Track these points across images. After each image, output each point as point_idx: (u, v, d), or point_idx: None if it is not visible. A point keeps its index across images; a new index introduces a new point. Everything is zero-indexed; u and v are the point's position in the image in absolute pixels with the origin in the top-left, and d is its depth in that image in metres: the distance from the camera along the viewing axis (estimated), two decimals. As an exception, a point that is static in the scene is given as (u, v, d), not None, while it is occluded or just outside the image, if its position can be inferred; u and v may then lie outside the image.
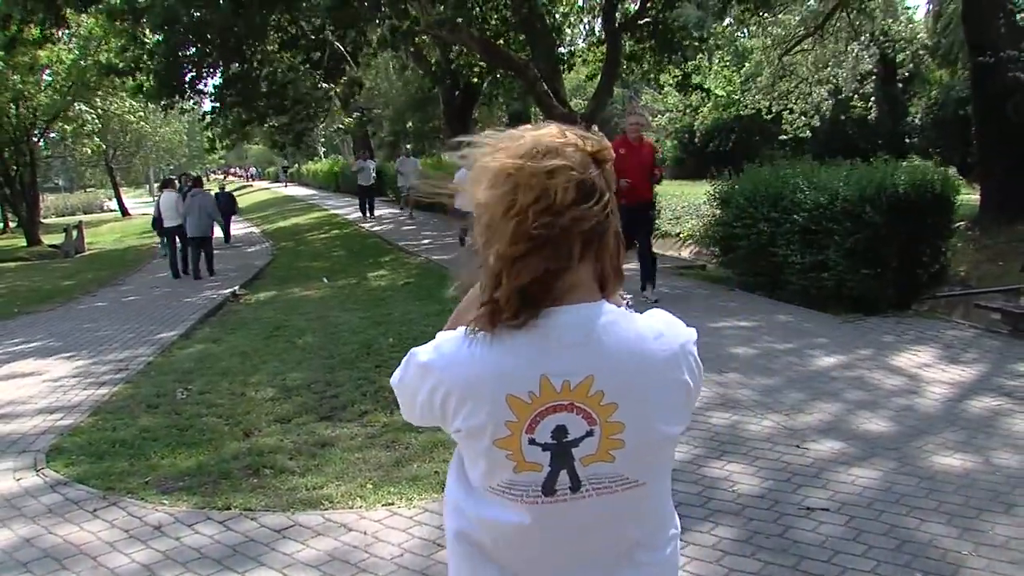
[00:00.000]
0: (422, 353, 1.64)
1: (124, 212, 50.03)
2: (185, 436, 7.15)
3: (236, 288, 15.71)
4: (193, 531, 5.25)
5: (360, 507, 5.44)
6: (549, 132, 1.57)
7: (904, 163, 12.77)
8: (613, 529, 1.63)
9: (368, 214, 27.87)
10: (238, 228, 28.80)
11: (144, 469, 6.44)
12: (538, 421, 1.53)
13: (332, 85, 23.27)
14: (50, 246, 29.69)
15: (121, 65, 22.57)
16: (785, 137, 28.56)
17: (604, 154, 1.57)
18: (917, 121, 32.64)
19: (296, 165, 68.03)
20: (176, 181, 21.24)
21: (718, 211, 12.82)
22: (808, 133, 27.04)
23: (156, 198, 22.30)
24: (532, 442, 1.54)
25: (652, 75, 24.45)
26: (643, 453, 1.57)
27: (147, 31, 20.64)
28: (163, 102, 23.24)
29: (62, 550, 5.09)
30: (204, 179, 23.53)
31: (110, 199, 58.36)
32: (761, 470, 5.50)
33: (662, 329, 1.60)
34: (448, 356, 1.61)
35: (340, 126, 33.80)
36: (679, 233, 20.85)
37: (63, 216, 53.41)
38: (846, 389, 7.04)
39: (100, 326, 13.04)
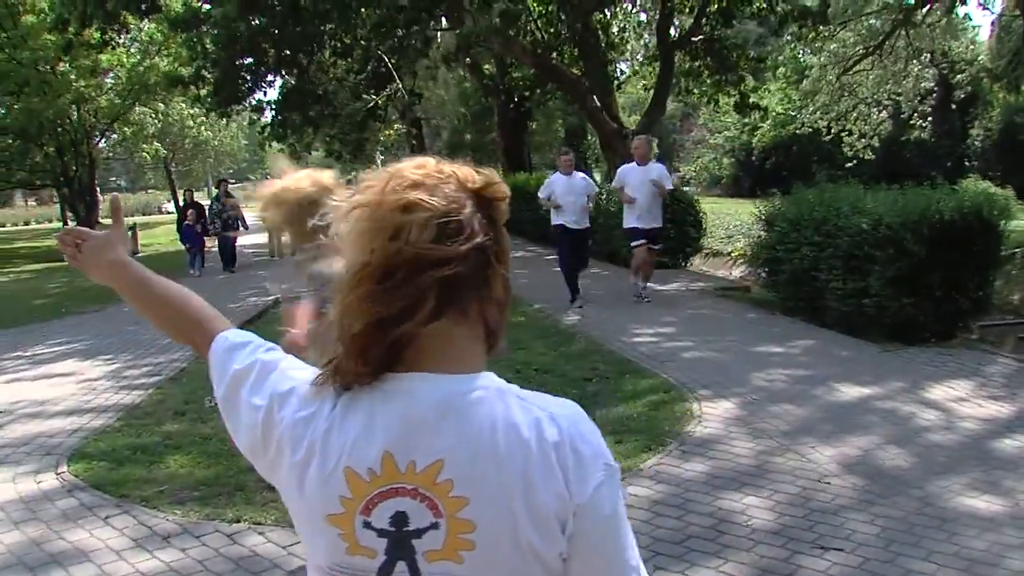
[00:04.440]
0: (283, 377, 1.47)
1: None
2: (207, 445, 7.15)
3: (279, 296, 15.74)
4: (200, 543, 5.24)
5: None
6: (420, 164, 1.39)
7: (958, 187, 12.50)
8: None
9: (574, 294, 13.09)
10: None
11: (162, 477, 6.46)
12: (376, 503, 1.31)
13: (379, 96, 23.35)
14: (104, 247, 30.10)
15: (187, 75, 22.93)
16: (849, 163, 27.96)
17: (491, 191, 1.38)
18: (978, 144, 32.09)
19: (353, 174, 67.97)
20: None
21: (763, 233, 12.63)
22: (870, 155, 26.62)
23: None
24: (367, 525, 1.32)
25: (709, 96, 24.18)
26: (498, 563, 1.29)
27: (207, 41, 20.92)
28: (221, 110, 23.55)
29: (69, 555, 5.12)
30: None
31: (168, 201, 59.28)
32: (779, 504, 5.35)
33: (543, 418, 1.33)
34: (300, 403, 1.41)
35: (391, 138, 33.81)
36: (730, 252, 20.59)
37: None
38: (877, 422, 6.84)
39: (141, 329, 13.11)
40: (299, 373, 1.47)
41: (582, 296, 12.97)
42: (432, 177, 1.35)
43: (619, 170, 13.09)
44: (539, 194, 13.25)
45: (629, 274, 13.39)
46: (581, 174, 13.35)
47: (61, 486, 6.34)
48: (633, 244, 12.68)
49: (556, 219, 12.88)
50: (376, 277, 1.30)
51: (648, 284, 13.09)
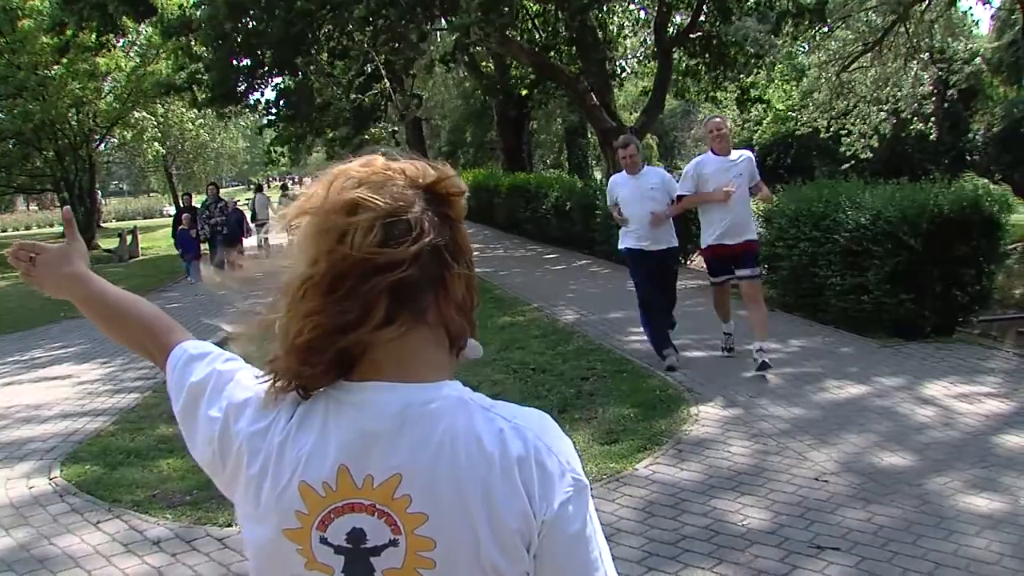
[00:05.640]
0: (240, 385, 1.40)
1: (181, 218, 50.85)
2: (201, 448, 7.11)
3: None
4: (191, 548, 5.24)
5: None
6: (366, 162, 1.31)
7: (958, 181, 12.44)
8: None
9: (662, 346, 9.01)
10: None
11: (154, 481, 6.44)
12: (332, 518, 1.25)
13: (374, 96, 23.31)
14: (105, 251, 30.13)
15: (179, 81, 22.91)
16: (848, 164, 27.94)
17: (443, 186, 1.30)
18: (979, 138, 32.04)
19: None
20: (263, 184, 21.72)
21: (762, 229, 12.56)
22: (869, 154, 26.62)
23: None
24: (324, 541, 1.26)
25: (709, 92, 24.16)
26: None
27: (198, 44, 20.91)
28: (220, 110, 23.53)
29: (58, 561, 5.11)
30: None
31: (170, 204, 59.43)
32: (775, 504, 5.30)
33: (506, 430, 1.26)
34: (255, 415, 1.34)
35: (394, 132, 33.76)
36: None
37: (123, 220, 54.40)
38: (875, 420, 6.78)
39: (139, 332, 13.14)
40: (256, 383, 1.39)
41: (676, 352, 8.90)
42: (378, 174, 1.28)
43: (693, 165, 8.81)
44: (608, 204, 9.62)
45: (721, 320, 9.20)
46: (656, 168, 9.78)
47: (53, 491, 6.33)
48: (714, 280, 8.97)
49: (624, 239, 9.13)
50: (322, 288, 1.23)
51: (763, 342, 8.32)
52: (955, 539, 4.67)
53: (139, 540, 5.37)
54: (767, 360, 8.11)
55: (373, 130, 27.86)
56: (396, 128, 31.18)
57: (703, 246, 8.86)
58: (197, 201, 22.45)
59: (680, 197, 8.76)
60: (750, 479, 5.72)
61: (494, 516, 1.21)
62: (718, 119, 8.94)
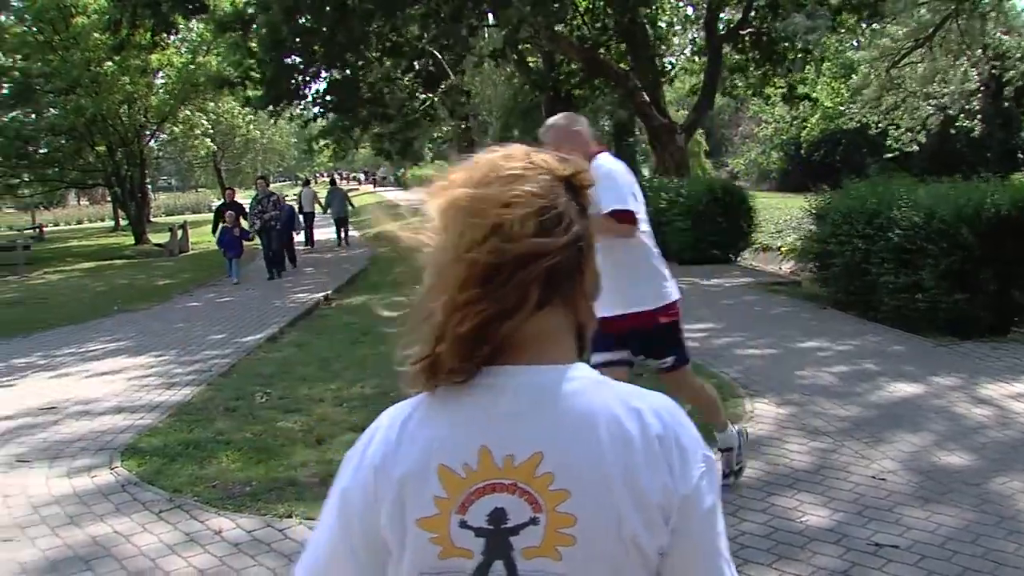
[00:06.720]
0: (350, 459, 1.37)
1: (232, 212, 51.38)
2: (259, 441, 7.21)
3: (328, 292, 15.89)
4: (252, 537, 5.27)
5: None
6: (510, 154, 1.34)
7: (1009, 179, 12.28)
8: None
9: None
10: (323, 234, 28.63)
11: (214, 472, 6.50)
12: (472, 500, 1.25)
13: (431, 95, 23.39)
14: (155, 245, 30.53)
15: (233, 76, 23.15)
16: (891, 155, 27.69)
17: (580, 178, 1.35)
18: (1033, 136, 31.57)
19: (401, 171, 68.09)
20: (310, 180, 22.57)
21: (813, 226, 12.50)
22: (915, 147, 26.33)
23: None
24: (463, 524, 1.26)
25: (757, 88, 24.03)
26: (598, 558, 1.24)
27: (256, 44, 21.12)
28: (270, 108, 23.73)
29: (124, 551, 5.16)
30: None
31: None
32: (833, 501, 5.28)
33: (643, 410, 1.29)
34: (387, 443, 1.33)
35: (439, 136, 33.88)
36: (780, 247, 20.41)
37: (173, 215, 54.99)
38: (932, 418, 6.73)
39: (192, 326, 13.34)
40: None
41: None
42: (529, 169, 1.32)
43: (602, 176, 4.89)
44: None
45: None
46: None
47: (115, 481, 6.40)
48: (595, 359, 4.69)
49: None
50: (481, 277, 1.26)
51: None
52: (1016, 539, 4.63)
53: (201, 530, 5.42)
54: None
55: (433, 128, 27.91)
56: (462, 124, 31.16)
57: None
58: (240, 197, 22.34)
59: None
60: (808, 476, 5.71)
61: (637, 491, 1.24)
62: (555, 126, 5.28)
